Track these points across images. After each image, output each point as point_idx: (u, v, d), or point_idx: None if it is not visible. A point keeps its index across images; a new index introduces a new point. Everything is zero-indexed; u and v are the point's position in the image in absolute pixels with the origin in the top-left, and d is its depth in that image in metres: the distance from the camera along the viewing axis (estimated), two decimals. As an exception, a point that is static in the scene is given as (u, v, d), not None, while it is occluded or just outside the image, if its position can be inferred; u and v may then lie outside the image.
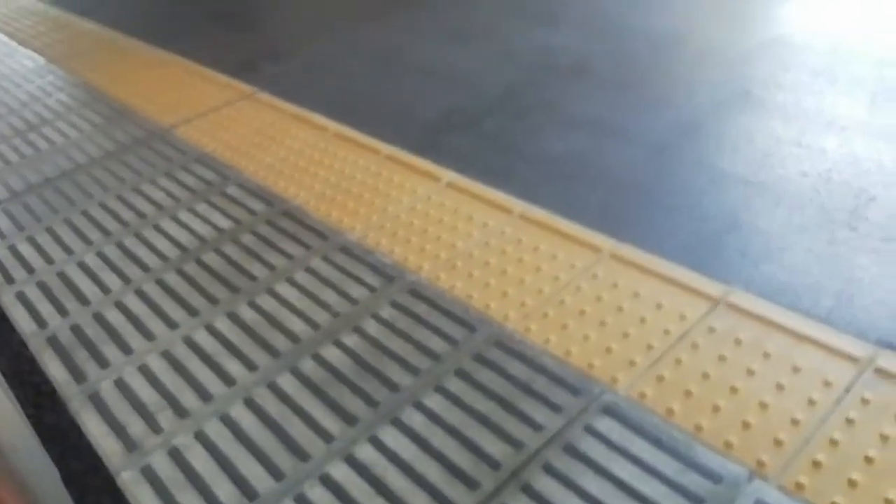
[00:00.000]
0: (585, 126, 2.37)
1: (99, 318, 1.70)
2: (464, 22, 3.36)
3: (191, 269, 1.85)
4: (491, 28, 3.25)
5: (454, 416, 1.32)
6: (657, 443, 1.22)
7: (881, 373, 1.30)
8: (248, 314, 1.67)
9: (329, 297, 1.69)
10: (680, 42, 2.85)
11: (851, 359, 1.33)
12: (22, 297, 1.80)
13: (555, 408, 1.31)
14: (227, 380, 1.48)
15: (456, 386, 1.39)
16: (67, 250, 1.98)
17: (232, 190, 2.19)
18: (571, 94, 2.58)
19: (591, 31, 3.03)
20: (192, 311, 1.69)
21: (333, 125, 2.50)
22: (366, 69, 3.10)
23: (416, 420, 1.33)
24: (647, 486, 1.15)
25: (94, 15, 3.97)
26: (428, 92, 2.78)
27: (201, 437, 1.36)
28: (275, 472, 1.27)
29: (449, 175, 2.13)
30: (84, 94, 2.98)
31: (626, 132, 2.29)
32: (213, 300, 1.72)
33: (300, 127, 2.52)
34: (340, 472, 1.25)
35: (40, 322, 1.72)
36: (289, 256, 1.86)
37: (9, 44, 3.75)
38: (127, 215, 2.11)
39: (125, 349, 1.60)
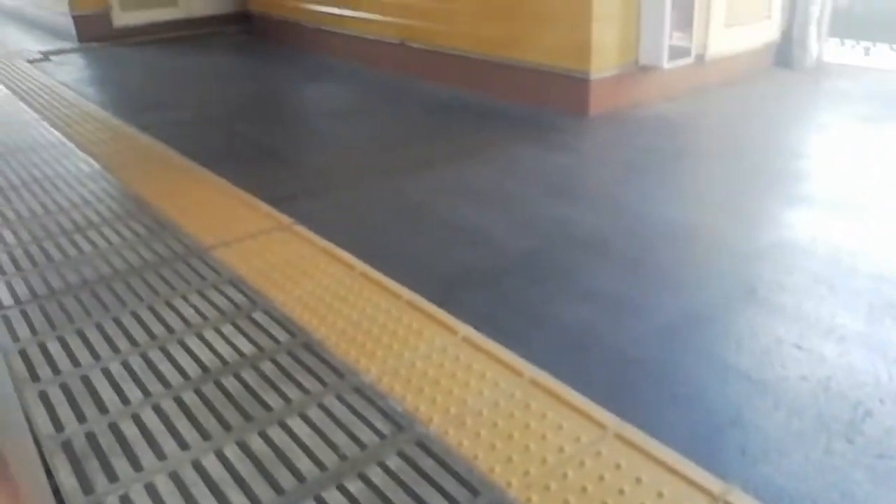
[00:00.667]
0: (598, 298, 2.50)
1: (115, 430, 1.75)
2: (488, 186, 3.62)
3: (209, 390, 1.91)
4: (513, 194, 3.49)
5: (450, 583, 1.33)
6: None
7: None
8: (258, 445, 1.71)
9: (339, 438, 1.74)
10: (692, 233, 3.05)
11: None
12: (44, 398, 1.86)
13: (550, 587, 1.32)
14: (231, 511, 1.50)
15: (454, 550, 1.41)
16: (95, 355, 2.06)
17: (258, 316, 2.29)
18: (587, 266, 2.74)
19: (607, 210, 3.26)
20: (204, 435, 1.74)
21: (360, 265, 2.65)
22: (394, 217, 3.31)
23: (412, 581, 1.33)
24: None
25: (153, 131, 4.29)
26: (450, 247, 2.96)
27: (197, 570, 1.36)
28: None
29: (465, 329, 2.23)
30: (132, 204, 3.18)
31: (637, 310, 2.42)
32: (226, 426, 1.77)
33: (329, 262, 2.67)
34: None
35: (58, 425, 1.76)
36: (305, 390, 1.92)
37: (68, 146, 4.04)
38: (156, 328, 2.21)
39: (136, 465, 1.63)
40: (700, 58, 4.98)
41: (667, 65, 4.63)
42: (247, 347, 2.12)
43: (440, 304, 2.39)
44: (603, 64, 4.54)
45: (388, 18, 6.01)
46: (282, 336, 2.18)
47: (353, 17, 6.44)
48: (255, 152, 4.35)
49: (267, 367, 2.03)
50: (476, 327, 2.25)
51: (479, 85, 5.26)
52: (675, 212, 3.23)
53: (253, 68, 7.00)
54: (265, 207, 3.15)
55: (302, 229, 2.94)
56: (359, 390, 1.92)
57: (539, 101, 4.82)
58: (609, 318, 2.38)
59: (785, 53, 5.56)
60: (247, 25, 8.35)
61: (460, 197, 3.49)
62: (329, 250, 2.76)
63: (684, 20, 4.69)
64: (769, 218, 3.17)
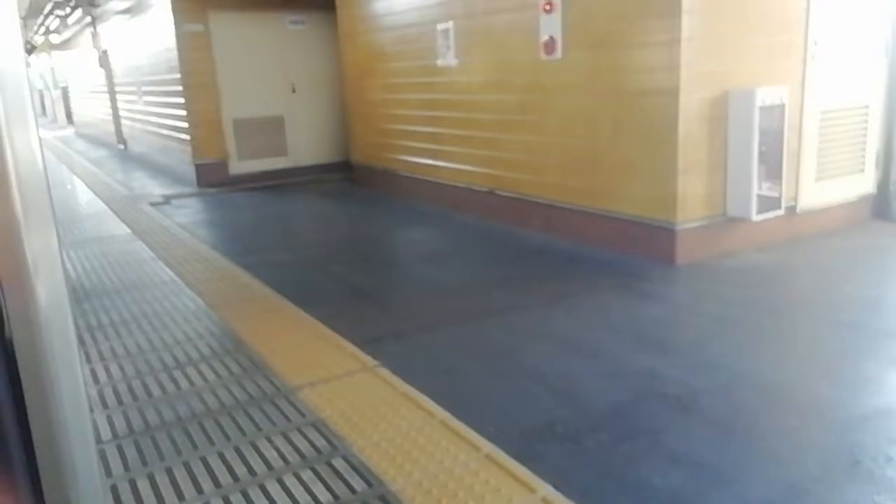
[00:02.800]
0: (688, 463, 2.36)
1: (190, 577, 1.75)
2: (574, 334, 3.59)
3: (284, 541, 1.90)
4: (600, 344, 3.44)
5: None
6: None
7: None
8: None
9: None
10: (788, 394, 2.88)
11: None
12: (128, 538, 1.91)
13: None
14: None
15: None
16: (180, 495, 2.11)
17: (338, 462, 2.30)
18: (676, 426, 2.62)
19: (697, 366, 3.14)
20: (276, 590, 1.71)
21: (440, 412, 2.64)
22: (478, 363, 3.32)
23: None
24: None
25: (255, 270, 4.59)
26: (534, 397, 2.91)
27: None
28: None
29: (545, 489, 2.15)
30: (230, 342, 3.35)
31: (729, 481, 2.26)
32: (298, 582, 1.74)
33: (410, 408, 2.67)
34: None
35: (137, 568, 1.79)
36: (378, 548, 1.88)
37: (178, 283, 4.37)
38: (239, 470, 2.25)
39: None
40: (791, 209, 4.92)
41: (756, 217, 4.59)
42: (324, 496, 2.11)
43: (520, 459, 2.33)
44: (689, 215, 4.56)
45: (479, 169, 6.35)
46: (358, 485, 2.17)
47: (445, 167, 6.85)
48: (346, 294, 4.54)
49: (342, 518, 2.00)
50: (556, 486, 2.16)
51: (566, 232, 5.38)
52: (768, 370, 3.07)
53: (351, 213, 7.47)
54: (351, 348, 3.24)
55: (386, 372, 2.99)
56: (433, 551, 1.86)
57: (626, 249, 4.85)
58: (699, 488, 2.23)
59: (882, 205, 5.41)
60: (347, 173, 9.02)
61: (545, 344, 3.47)
62: (410, 395, 2.77)
63: (773, 172, 4.70)
64: (871, 380, 2.95)
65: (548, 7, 5.23)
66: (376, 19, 7.72)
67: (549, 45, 5.28)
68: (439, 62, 6.68)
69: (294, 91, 9.66)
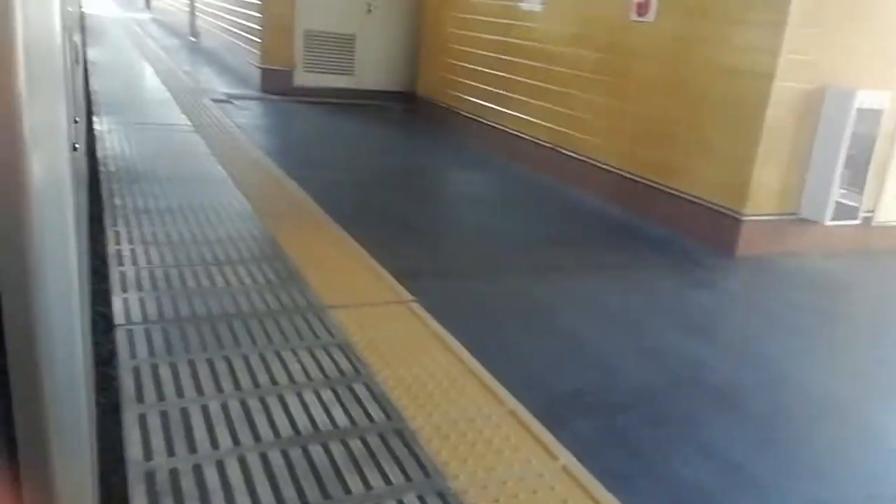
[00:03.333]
0: (720, 461, 2.25)
1: (198, 473, 1.72)
2: (617, 306, 3.45)
3: (296, 456, 1.86)
4: (643, 320, 3.31)
5: None
6: None
7: None
8: (329, 529, 1.62)
9: (412, 545, 1.61)
10: (840, 409, 2.72)
11: None
12: (142, 421, 1.89)
13: None
14: None
15: None
16: (199, 390, 2.08)
17: (359, 388, 2.25)
18: (713, 419, 2.49)
19: (746, 362, 2.99)
20: (280, 502, 1.67)
21: (469, 359, 2.55)
22: (514, 317, 3.22)
23: None
24: None
25: (305, 184, 4.52)
26: (567, 362, 2.81)
27: None
28: None
29: (567, 458, 2.06)
30: (269, 249, 3.31)
31: (762, 488, 2.14)
32: (304, 500, 1.70)
33: (439, 348, 2.60)
34: None
35: (147, 453, 1.77)
36: (388, 481, 1.82)
37: (228, 183, 4.33)
38: (261, 377, 2.22)
39: (207, 517, 1.59)
40: (867, 220, 4.63)
41: (829, 222, 4.33)
42: (341, 418, 2.06)
43: (545, 422, 2.24)
44: (759, 207, 4.32)
45: (544, 123, 6.12)
46: (377, 415, 2.11)
47: (511, 115, 6.63)
48: (392, 223, 4.46)
49: (356, 445, 1.95)
50: (579, 458, 2.07)
51: (625, 202, 5.17)
52: (822, 379, 2.91)
53: (408, 145, 7.34)
54: (389, 278, 3.16)
55: (420, 308, 2.91)
56: (441, 496, 1.80)
57: (685, 231, 4.64)
58: (728, 488, 2.12)
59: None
60: (412, 104, 8.84)
61: (586, 311, 3.35)
62: (441, 336, 2.69)
63: (856, 179, 4.40)
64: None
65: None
66: (468, -51, 7.39)
67: (643, 6, 4.96)
68: (522, 4, 6.38)
69: (370, 11, 9.40)
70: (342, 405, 2.14)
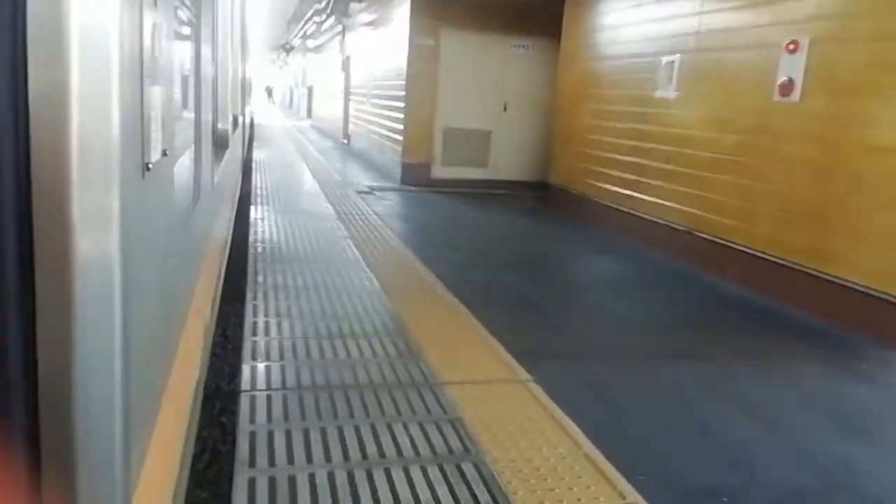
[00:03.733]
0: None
1: (296, 537, 1.72)
2: (760, 399, 3.13)
3: (395, 530, 1.81)
4: (790, 416, 2.96)
5: None
6: None
7: None
8: None
9: None
10: None
11: None
12: (251, 486, 1.93)
13: None
14: None
15: None
16: (309, 458, 2.11)
17: (468, 467, 2.17)
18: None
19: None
20: (374, 576, 1.62)
21: (587, 445, 2.40)
22: (641, 405, 3.01)
23: None
24: None
25: (432, 264, 4.64)
26: (700, 456, 2.56)
27: None
28: None
29: (692, 561, 1.84)
30: (393, 325, 3.38)
31: None
32: (398, 575, 1.63)
33: (555, 431, 2.47)
34: None
35: (252, 515, 1.80)
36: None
37: (361, 263, 4.54)
38: (370, 448, 2.21)
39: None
40: None
41: None
42: (445, 498, 1.99)
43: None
44: (930, 294, 3.82)
45: (679, 206, 5.92)
46: (483, 497, 2.02)
47: (644, 200, 6.49)
48: (515, 303, 4.42)
49: (458, 525, 1.87)
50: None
51: (767, 287, 4.79)
52: None
53: (538, 230, 7.36)
54: (507, 357, 3.10)
55: (537, 389, 2.81)
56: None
57: (840, 320, 4.19)
58: None
59: None
60: (542, 193, 8.94)
61: (723, 402, 3.07)
62: (558, 419, 2.57)
63: None
64: None
65: (792, 47, 4.72)
66: (599, 48, 7.57)
67: (786, 87, 4.76)
68: (657, 93, 6.35)
69: (505, 109, 9.82)
70: (448, 483, 2.07)
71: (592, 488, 2.13)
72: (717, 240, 5.39)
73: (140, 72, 0.95)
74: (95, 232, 0.76)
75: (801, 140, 4.65)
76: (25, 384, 0.75)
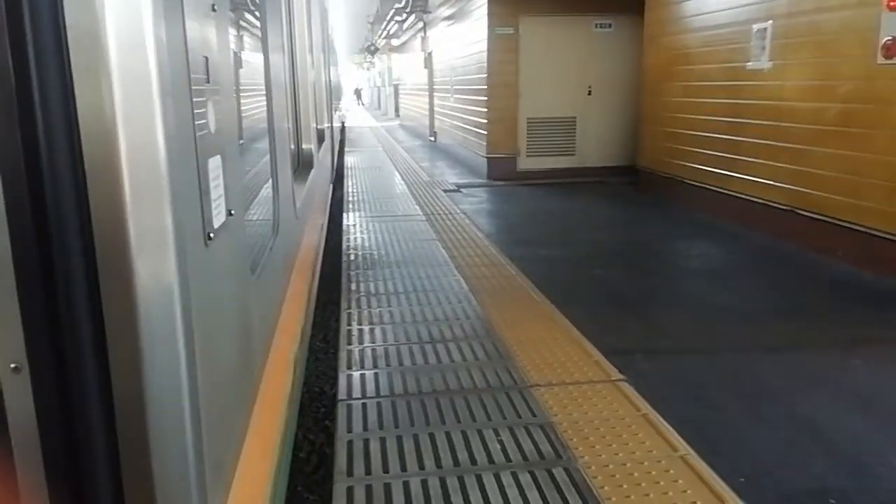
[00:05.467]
0: None
1: (393, 545, 1.80)
2: (875, 392, 2.94)
3: (487, 537, 1.85)
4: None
5: None
6: None
7: None
8: None
9: None
10: None
11: None
12: (349, 495, 2.03)
13: None
14: None
15: None
16: (403, 466, 2.20)
17: (559, 473, 2.18)
18: None
19: None
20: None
21: (684, 447, 2.35)
22: (741, 401, 2.91)
23: None
24: None
25: (520, 263, 4.64)
26: (805, 455, 2.45)
27: None
28: None
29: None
30: (481, 327, 3.43)
31: None
32: (491, 583, 1.68)
33: (649, 433, 2.43)
34: None
35: (350, 523, 1.89)
36: (581, 574, 1.72)
37: (449, 265, 4.61)
38: (461, 455, 2.27)
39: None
40: None
41: None
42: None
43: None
44: None
45: (779, 184, 5.60)
46: (575, 503, 2.03)
47: (739, 179, 6.19)
48: (605, 299, 4.35)
49: (550, 532, 1.89)
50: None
51: (883, 267, 4.46)
52: None
53: (629, 217, 7.18)
54: (598, 356, 3.07)
55: (629, 389, 2.77)
56: None
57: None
58: None
59: None
60: (632, 178, 8.70)
61: (831, 395, 2.91)
62: (652, 420, 2.52)
63: None
64: None
65: (894, 3, 4.36)
66: (685, 21, 7.26)
67: (891, 48, 4.40)
68: (749, 65, 6.03)
69: (590, 93, 9.60)
70: (539, 489, 2.10)
71: (689, 492, 2.09)
72: (823, 217, 5.07)
73: (193, 132, 0.94)
74: (159, 298, 0.82)
75: (913, 104, 4.29)
76: (105, 439, 0.83)
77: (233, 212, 1.15)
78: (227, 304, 1.14)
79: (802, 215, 5.31)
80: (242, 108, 1.52)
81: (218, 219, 1.05)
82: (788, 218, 5.47)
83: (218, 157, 1.07)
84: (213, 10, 1.08)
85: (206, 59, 1.02)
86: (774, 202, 5.67)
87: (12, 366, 0.79)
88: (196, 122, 0.94)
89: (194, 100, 0.94)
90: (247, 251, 1.33)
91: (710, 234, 6.05)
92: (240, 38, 1.66)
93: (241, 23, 1.75)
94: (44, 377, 0.80)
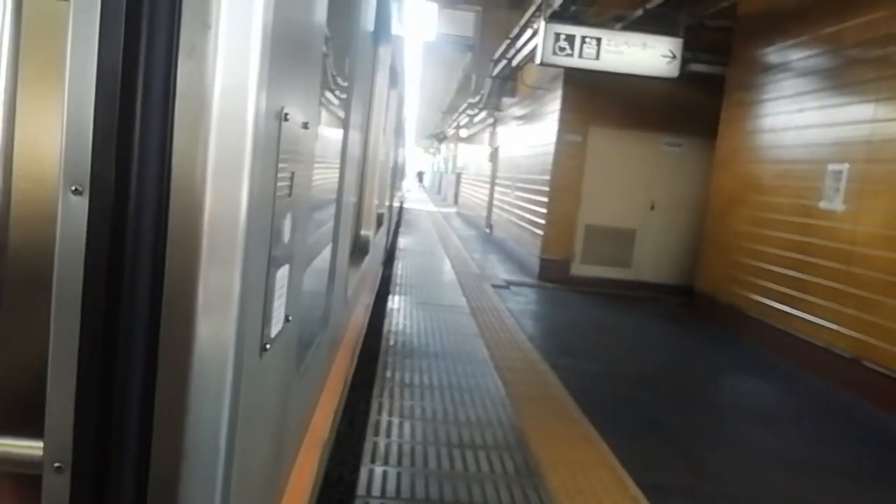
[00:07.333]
0: None
1: None
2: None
3: None
4: None
5: None
6: None
7: None
8: None
9: None
10: None
11: None
12: None
13: None
14: None
15: None
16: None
17: None
18: None
19: None
20: None
21: None
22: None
23: None
24: None
25: (561, 373, 4.48)
26: None
27: None
28: None
29: None
30: (512, 437, 3.27)
31: None
32: None
33: (685, 590, 2.21)
34: None
35: None
36: None
37: (489, 364, 4.49)
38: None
39: None
40: None
41: None
42: None
43: None
44: None
45: (845, 330, 5.34)
46: None
47: (802, 319, 5.94)
48: (649, 427, 4.12)
49: None
50: None
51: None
52: None
53: (680, 341, 6.94)
54: (633, 489, 2.87)
55: (666, 534, 2.56)
56: None
57: None
58: None
59: None
60: (687, 298, 8.48)
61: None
62: (689, 575, 2.31)
63: None
64: None
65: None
66: (758, 151, 7.24)
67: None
68: (822, 204, 5.91)
69: (652, 208, 9.57)
70: None
71: None
72: (889, 372, 4.77)
73: (269, 246, 0.95)
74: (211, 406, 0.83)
75: None
76: None
77: (290, 318, 1.15)
78: (271, 405, 1.13)
79: (866, 367, 5.01)
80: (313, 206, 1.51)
81: (276, 326, 1.05)
82: (851, 367, 5.17)
83: (286, 266, 1.08)
84: (306, 127, 1.12)
85: (293, 174, 1.04)
86: (837, 348, 5.39)
87: (56, 465, 0.82)
88: (273, 234, 0.97)
89: (276, 211, 0.96)
90: (298, 353, 1.32)
91: (765, 372, 5.76)
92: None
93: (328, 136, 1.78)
94: (85, 480, 0.82)
